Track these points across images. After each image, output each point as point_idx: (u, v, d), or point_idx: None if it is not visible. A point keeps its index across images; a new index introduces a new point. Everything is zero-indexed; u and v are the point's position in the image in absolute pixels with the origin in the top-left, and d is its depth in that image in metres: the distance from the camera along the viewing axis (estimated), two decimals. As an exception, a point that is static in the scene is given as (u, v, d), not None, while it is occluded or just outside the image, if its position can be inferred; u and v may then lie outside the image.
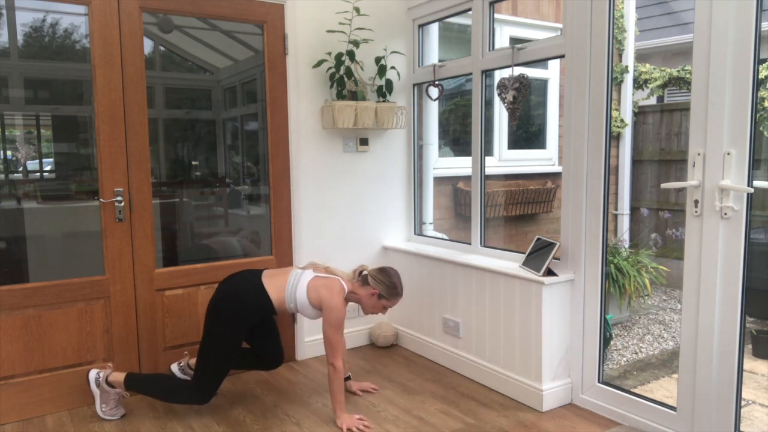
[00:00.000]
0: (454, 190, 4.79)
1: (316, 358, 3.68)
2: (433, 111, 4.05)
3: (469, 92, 3.47)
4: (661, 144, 5.59)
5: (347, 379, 3.15)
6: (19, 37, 2.89)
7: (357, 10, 3.47)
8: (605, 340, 3.09)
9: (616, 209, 5.67)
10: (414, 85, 3.90)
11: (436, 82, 3.68)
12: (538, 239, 3.03)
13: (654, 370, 3.69)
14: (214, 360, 2.77)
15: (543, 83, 5.33)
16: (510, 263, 3.17)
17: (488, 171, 3.63)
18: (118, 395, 2.88)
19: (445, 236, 4.12)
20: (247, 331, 2.81)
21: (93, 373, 2.86)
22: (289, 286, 2.79)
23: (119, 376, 2.85)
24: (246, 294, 2.77)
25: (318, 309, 2.78)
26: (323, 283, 2.78)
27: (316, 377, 3.38)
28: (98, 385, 2.85)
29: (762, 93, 4.77)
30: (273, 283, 2.80)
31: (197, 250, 3.53)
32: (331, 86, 3.53)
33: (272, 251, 3.53)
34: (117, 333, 3.09)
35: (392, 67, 3.75)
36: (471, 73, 3.42)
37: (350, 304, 2.97)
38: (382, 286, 2.83)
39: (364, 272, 2.89)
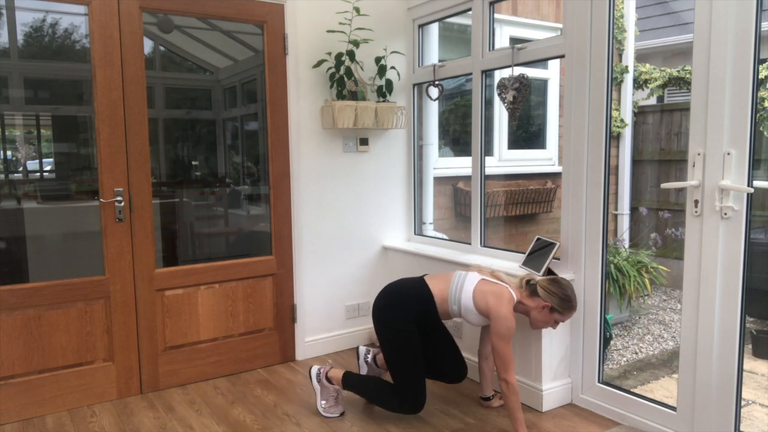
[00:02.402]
0: (454, 190, 4.79)
1: (316, 358, 3.68)
2: (433, 111, 4.05)
3: (469, 92, 3.47)
4: (661, 144, 5.59)
5: (488, 399, 2.96)
6: (19, 37, 2.89)
7: (357, 10, 3.47)
8: (605, 340, 3.09)
9: (616, 209, 5.67)
10: (414, 85, 3.90)
11: (436, 82, 3.68)
12: (538, 239, 3.03)
13: (654, 370, 3.69)
14: (402, 365, 2.67)
15: (543, 83, 5.33)
16: (510, 263, 3.17)
17: (488, 171, 3.63)
18: (337, 392, 2.88)
19: (445, 236, 4.12)
20: (417, 328, 2.68)
21: (315, 369, 2.89)
22: (453, 286, 2.67)
23: (338, 373, 2.85)
24: (409, 291, 2.71)
25: (483, 316, 2.63)
26: (492, 289, 2.61)
27: (316, 377, 3.38)
28: (319, 381, 2.86)
29: (762, 93, 4.77)
30: (436, 283, 2.71)
31: (246, 239, 3.60)
32: (331, 86, 3.53)
33: (272, 251, 3.53)
34: (117, 333, 3.09)
35: (392, 67, 3.75)
36: (471, 73, 3.42)
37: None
38: (555, 298, 2.58)
39: (533, 282, 2.66)
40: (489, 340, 2.86)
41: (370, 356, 3.11)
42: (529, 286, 2.66)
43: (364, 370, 3.09)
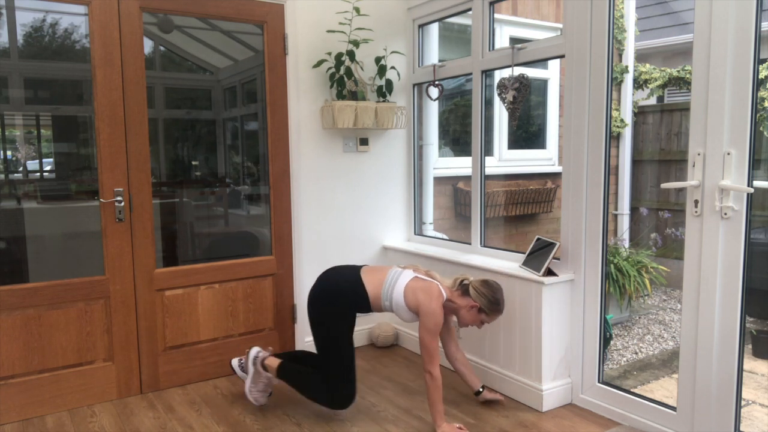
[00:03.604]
0: (454, 190, 4.79)
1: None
2: (433, 111, 4.05)
3: (469, 92, 3.47)
4: (661, 144, 5.59)
5: (479, 392, 2.98)
6: (19, 37, 2.89)
7: (357, 10, 3.47)
8: (605, 340, 3.09)
9: (616, 209, 5.67)
10: (414, 85, 3.90)
11: (436, 82, 3.68)
12: (538, 239, 3.03)
13: (654, 370, 3.69)
14: (334, 355, 2.72)
15: (543, 83, 5.33)
16: (510, 263, 3.17)
17: (488, 171, 3.63)
18: (268, 380, 2.91)
19: (445, 236, 4.12)
20: (350, 321, 2.74)
21: (254, 350, 2.90)
22: (386, 283, 2.74)
23: (274, 362, 2.87)
24: (345, 284, 2.76)
25: (414, 312, 2.70)
26: (422, 286, 2.69)
27: (316, 377, 3.38)
28: (254, 364, 2.88)
29: (762, 93, 4.77)
30: (371, 279, 2.76)
31: (240, 238, 3.59)
32: (331, 86, 3.53)
33: (272, 251, 3.53)
34: (117, 333, 3.09)
35: (392, 67, 3.75)
36: (471, 73, 3.42)
37: None
38: (484, 299, 2.69)
39: (466, 282, 2.77)
40: (453, 344, 2.96)
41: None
42: (462, 286, 2.76)
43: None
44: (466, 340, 3.36)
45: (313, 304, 2.79)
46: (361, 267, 2.86)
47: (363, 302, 2.75)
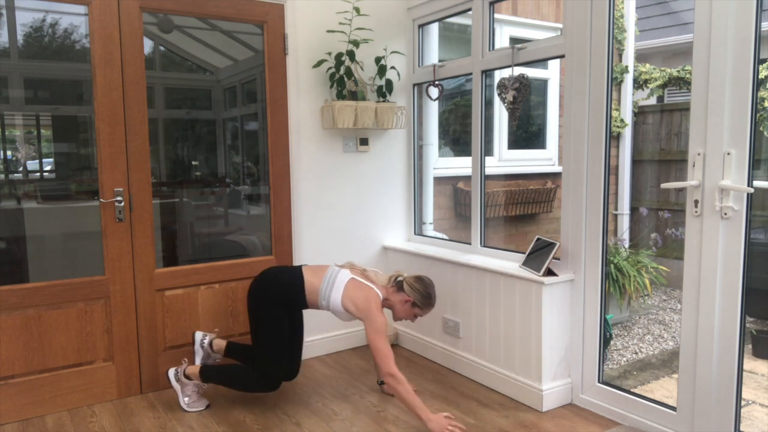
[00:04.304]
0: (454, 190, 4.79)
1: (316, 358, 3.68)
2: (433, 111, 4.05)
3: (469, 92, 3.47)
4: (661, 144, 5.59)
5: (383, 382, 3.13)
6: (19, 37, 2.89)
7: (357, 10, 3.47)
8: (605, 340, 3.09)
9: (616, 209, 5.67)
10: (414, 85, 3.90)
11: (436, 82, 3.68)
12: (538, 239, 3.03)
13: (654, 370, 3.69)
14: (267, 342, 2.82)
15: (543, 83, 5.33)
16: (510, 263, 3.17)
17: (488, 171, 3.63)
18: (197, 387, 2.97)
19: (445, 236, 4.12)
20: (287, 314, 2.85)
21: (171, 371, 2.97)
22: (324, 283, 2.83)
23: (195, 369, 2.94)
24: (285, 277, 2.86)
25: (351, 314, 2.82)
26: (360, 295, 2.79)
27: (316, 377, 3.38)
28: (177, 380, 2.94)
29: (762, 93, 4.77)
30: (310, 277, 2.86)
31: (229, 246, 3.60)
32: (331, 86, 3.53)
33: (272, 251, 3.53)
34: (117, 333, 3.09)
35: (392, 67, 3.75)
36: (471, 73, 3.42)
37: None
38: (417, 294, 2.85)
39: (400, 278, 2.91)
40: None
41: (206, 341, 3.13)
42: (397, 283, 2.91)
43: (199, 355, 3.12)
44: (466, 340, 3.36)
45: (251, 296, 2.87)
46: (302, 266, 2.96)
47: (300, 298, 2.84)
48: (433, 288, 2.91)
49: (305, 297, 2.85)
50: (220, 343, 3.14)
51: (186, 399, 2.95)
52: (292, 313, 2.95)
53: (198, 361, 3.09)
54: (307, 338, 3.66)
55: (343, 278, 2.84)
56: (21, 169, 3.03)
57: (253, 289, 2.87)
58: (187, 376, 2.95)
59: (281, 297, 2.84)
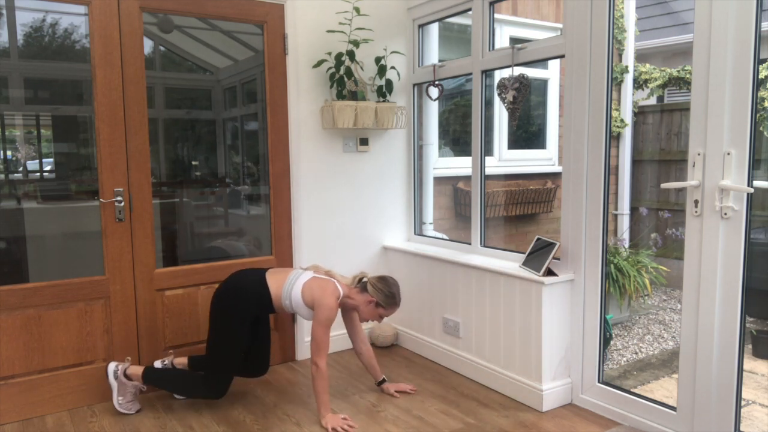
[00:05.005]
0: (454, 190, 4.79)
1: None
2: (433, 111, 4.05)
3: (469, 92, 3.47)
4: (661, 144, 5.59)
5: (382, 382, 3.15)
6: (19, 37, 2.89)
7: (357, 10, 3.47)
8: (605, 340, 3.09)
9: (616, 209, 5.67)
10: (414, 85, 3.90)
11: (436, 82, 3.68)
12: (538, 239, 3.03)
13: (654, 370, 3.69)
14: (221, 352, 2.83)
15: (543, 83, 5.33)
16: (510, 263, 3.17)
17: (488, 171, 3.63)
18: (135, 389, 2.92)
19: (445, 236, 4.12)
20: (249, 324, 2.84)
21: (112, 366, 2.91)
22: (287, 283, 2.83)
23: (138, 370, 2.89)
24: (249, 285, 2.83)
25: (310, 309, 2.81)
26: (318, 284, 2.81)
27: (316, 377, 3.38)
28: (116, 378, 2.89)
29: (762, 93, 4.77)
30: (274, 280, 2.86)
31: (212, 252, 3.57)
32: (331, 86, 3.53)
33: (272, 251, 3.53)
34: (117, 333, 3.09)
35: (392, 67, 3.75)
36: (471, 73, 3.42)
37: None
38: (380, 294, 2.86)
39: (364, 279, 2.92)
40: (358, 339, 3.08)
41: (167, 362, 3.04)
42: (361, 283, 2.90)
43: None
44: (466, 340, 3.36)
45: (215, 301, 2.85)
46: (267, 270, 2.93)
47: (265, 301, 2.83)
48: (397, 287, 2.91)
49: (271, 301, 2.83)
50: (182, 360, 3.08)
51: (120, 399, 2.89)
52: (258, 317, 2.95)
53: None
54: (308, 338, 3.66)
55: (305, 276, 2.85)
56: (21, 169, 3.03)
57: (217, 296, 2.84)
58: (127, 376, 2.89)
59: (246, 304, 2.81)
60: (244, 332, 2.83)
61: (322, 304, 2.74)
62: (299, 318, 3.63)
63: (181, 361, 3.07)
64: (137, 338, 3.15)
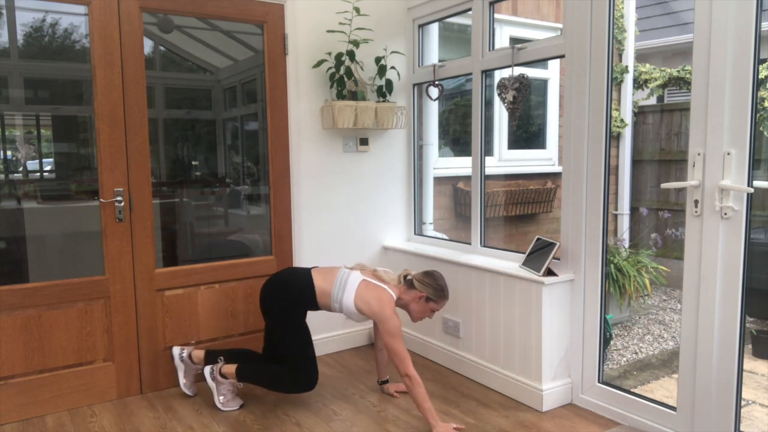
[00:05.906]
0: (454, 190, 4.79)
1: (317, 358, 3.67)
2: (433, 111, 4.05)
3: (469, 92, 3.47)
4: (661, 144, 5.59)
5: (385, 382, 3.15)
6: (19, 37, 2.89)
7: (357, 10, 3.47)
8: (605, 340, 3.09)
9: (616, 209, 5.67)
10: (414, 85, 3.90)
11: (436, 82, 3.68)
12: (538, 239, 3.03)
13: (654, 370, 3.69)
14: (290, 348, 2.82)
15: (543, 83, 5.33)
16: (510, 263, 3.17)
17: (488, 171, 3.63)
18: (232, 385, 2.96)
19: (445, 236, 4.12)
20: (300, 314, 2.85)
21: (207, 369, 2.96)
22: (336, 286, 2.83)
23: (231, 368, 2.93)
24: (294, 281, 2.85)
25: (365, 316, 2.81)
26: (373, 295, 2.78)
27: (316, 377, 3.38)
28: (213, 379, 2.94)
29: (762, 93, 4.77)
30: (321, 280, 2.86)
31: (230, 246, 3.60)
32: (331, 86, 3.53)
33: (272, 251, 3.53)
34: (117, 333, 3.09)
35: (392, 67, 3.75)
36: (471, 73, 3.42)
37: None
38: (429, 288, 2.83)
39: (409, 276, 2.90)
40: (380, 335, 3.01)
41: (185, 354, 3.11)
42: (407, 281, 2.89)
43: (181, 369, 3.10)
44: (466, 340, 3.36)
45: (265, 304, 2.89)
46: (311, 269, 2.95)
47: (311, 301, 2.84)
48: (444, 280, 2.89)
49: (317, 301, 2.84)
50: (199, 354, 3.11)
51: (221, 398, 2.95)
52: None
53: (180, 374, 3.08)
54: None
55: (354, 280, 2.82)
56: (21, 169, 3.03)
57: (269, 294, 2.87)
58: (222, 375, 2.94)
59: (295, 301, 2.84)
60: (301, 323, 2.84)
61: (385, 317, 2.72)
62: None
63: (198, 355, 3.09)
64: (137, 338, 3.15)
